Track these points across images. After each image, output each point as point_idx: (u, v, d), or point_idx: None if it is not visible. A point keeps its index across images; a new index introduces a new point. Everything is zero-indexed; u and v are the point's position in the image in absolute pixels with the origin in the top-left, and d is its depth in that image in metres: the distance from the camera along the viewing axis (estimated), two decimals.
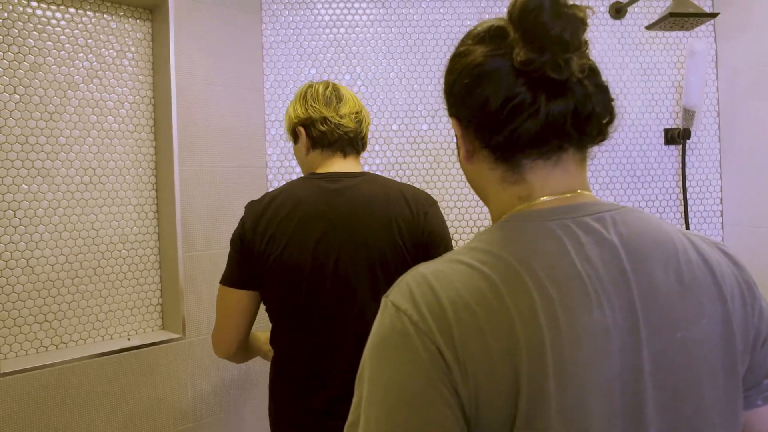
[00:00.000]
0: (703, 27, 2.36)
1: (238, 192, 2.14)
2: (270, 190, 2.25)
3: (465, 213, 2.33)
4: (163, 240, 2.01)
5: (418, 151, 2.31)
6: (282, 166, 2.26)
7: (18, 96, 1.72)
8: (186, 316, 1.97)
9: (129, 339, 1.93)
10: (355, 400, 0.67)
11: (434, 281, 0.66)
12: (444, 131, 2.32)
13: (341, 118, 1.45)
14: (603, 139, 0.73)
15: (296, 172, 2.26)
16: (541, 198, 0.72)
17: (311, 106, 1.45)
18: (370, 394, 0.64)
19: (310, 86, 1.50)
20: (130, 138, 1.95)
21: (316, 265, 1.34)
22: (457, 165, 2.31)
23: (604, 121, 0.72)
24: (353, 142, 1.47)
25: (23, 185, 1.73)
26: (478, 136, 0.73)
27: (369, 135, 2.28)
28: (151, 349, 1.89)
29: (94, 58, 1.87)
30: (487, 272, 0.65)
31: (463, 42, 0.76)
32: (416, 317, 0.64)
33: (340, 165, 1.45)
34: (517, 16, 0.68)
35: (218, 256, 2.07)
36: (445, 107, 0.79)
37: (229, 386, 2.10)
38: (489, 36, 0.72)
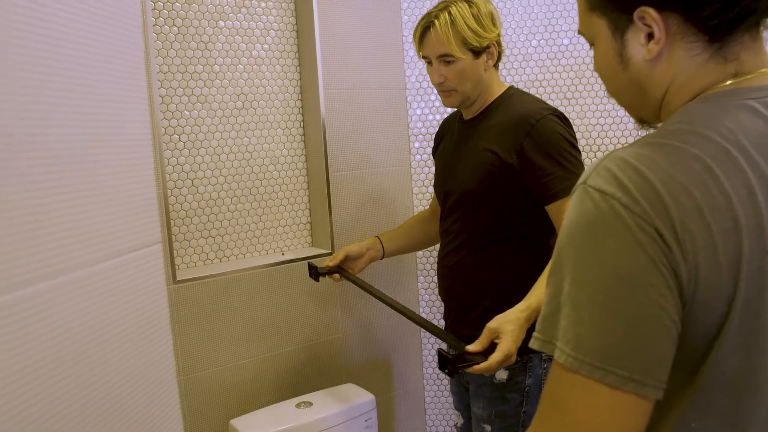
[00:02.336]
0: None
1: (379, 113, 2.19)
2: (409, 111, 2.29)
3: (609, 130, 2.25)
4: (310, 161, 2.11)
5: (558, 68, 2.24)
6: (421, 87, 2.28)
7: (177, 28, 1.84)
8: (334, 233, 2.08)
9: (283, 254, 2.07)
10: (549, 291, 0.68)
11: (639, 164, 0.64)
12: (586, 46, 2.22)
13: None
14: None
15: (434, 93, 2.27)
16: (760, 71, 0.71)
17: (498, 26, 1.60)
18: (577, 279, 0.64)
19: (487, 2, 1.60)
20: (277, 64, 2.04)
21: None
22: (601, 82, 2.22)
23: None
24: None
25: (185, 111, 1.87)
26: (697, 18, 0.69)
27: (507, 52, 2.25)
28: (303, 263, 2.02)
29: None
30: (696, 152, 0.64)
31: None
32: (626, 200, 0.62)
33: None
34: None
35: (361, 175, 2.15)
36: (609, 5, 0.74)
37: (375, 302, 2.21)
38: None
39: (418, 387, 2.41)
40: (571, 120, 1.60)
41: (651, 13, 0.70)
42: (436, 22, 1.57)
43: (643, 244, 0.61)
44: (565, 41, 2.23)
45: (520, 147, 1.50)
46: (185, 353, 1.81)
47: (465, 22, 1.56)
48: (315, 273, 1.81)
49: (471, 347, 1.30)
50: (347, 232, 2.11)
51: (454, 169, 1.67)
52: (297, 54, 2.09)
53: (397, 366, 2.32)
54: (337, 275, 1.79)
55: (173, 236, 1.87)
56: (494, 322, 1.31)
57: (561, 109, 1.74)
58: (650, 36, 0.71)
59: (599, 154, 2.24)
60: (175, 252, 1.87)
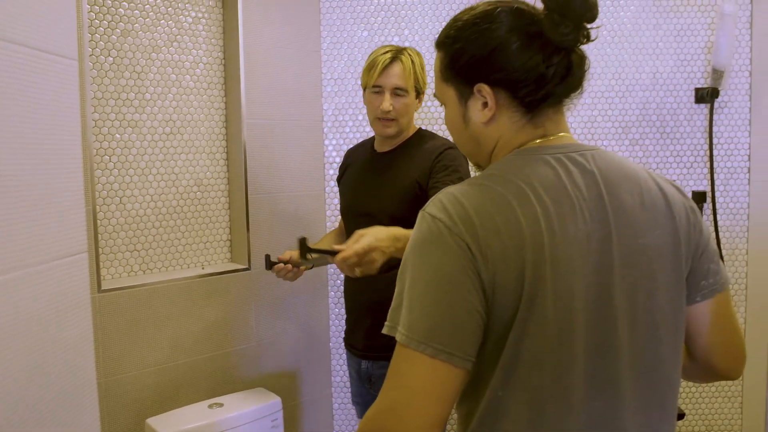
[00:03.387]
0: None
1: (297, 142, 2.42)
2: (325, 142, 2.53)
3: None
4: (231, 184, 2.31)
5: None
6: (336, 120, 2.52)
7: (112, 58, 2.02)
8: (251, 251, 2.28)
9: (203, 268, 2.25)
10: (397, 290, 0.88)
11: (461, 197, 0.87)
12: None
13: None
14: (576, 95, 0.97)
15: (348, 126, 2.52)
16: (558, 135, 0.96)
17: None
18: (413, 280, 0.85)
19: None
20: (204, 94, 2.24)
21: None
22: None
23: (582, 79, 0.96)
24: None
25: (117, 135, 2.05)
26: (516, 95, 0.93)
27: None
28: (221, 277, 2.22)
29: (173, 24, 2.15)
30: (501, 191, 0.88)
31: (486, 18, 0.93)
32: (449, 222, 0.85)
33: None
34: (555, 3, 0.89)
35: (278, 199, 2.36)
36: (458, 78, 0.96)
37: (286, 313, 2.42)
38: (511, 13, 0.92)
39: (326, 394, 2.61)
40: None
41: (486, 88, 0.93)
42: (403, 58, 1.81)
43: (458, 255, 0.84)
44: None
45: (430, 170, 1.76)
46: (107, 357, 1.97)
47: (420, 66, 1.85)
48: (269, 263, 1.86)
49: (337, 246, 1.41)
50: (264, 249, 2.32)
51: (375, 194, 1.87)
52: (223, 86, 2.30)
53: (307, 374, 2.53)
54: (289, 265, 1.83)
55: (100, 249, 2.03)
56: (362, 230, 1.42)
57: None
58: (485, 104, 0.95)
59: None
60: (101, 263, 2.03)
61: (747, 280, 2.54)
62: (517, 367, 0.87)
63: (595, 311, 0.88)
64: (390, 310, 0.89)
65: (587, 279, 0.87)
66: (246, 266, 2.28)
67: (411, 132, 1.90)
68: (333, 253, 1.41)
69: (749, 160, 2.54)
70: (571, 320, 0.86)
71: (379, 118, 1.83)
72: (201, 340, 2.18)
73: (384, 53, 1.81)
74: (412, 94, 1.83)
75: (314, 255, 1.61)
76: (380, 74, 1.80)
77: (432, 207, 0.89)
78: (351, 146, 2.50)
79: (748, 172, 2.54)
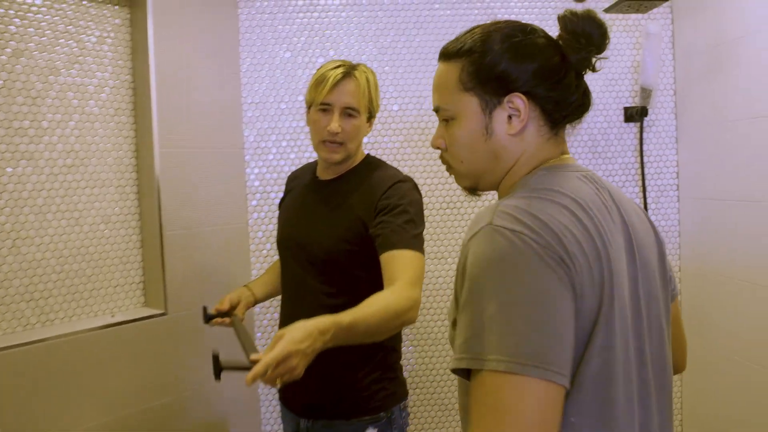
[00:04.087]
0: (659, 9, 2.46)
1: (217, 172, 2.22)
2: (247, 170, 2.34)
3: (435, 189, 2.43)
4: (144, 220, 2.08)
5: (389, 131, 2.40)
6: (258, 147, 2.34)
7: (1, 81, 1.77)
8: (168, 293, 2.05)
9: (113, 316, 2.00)
10: (468, 318, 0.81)
11: (529, 208, 0.84)
12: (414, 111, 2.41)
13: None
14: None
15: (272, 153, 2.34)
16: (564, 156, 0.99)
17: None
18: (502, 302, 0.78)
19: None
20: (111, 121, 2.01)
21: None
22: (427, 144, 2.41)
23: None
24: None
25: (8, 168, 1.79)
26: (548, 110, 0.96)
27: None
28: (134, 324, 1.97)
29: (74, 44, 1.92)
30: (562, 203, 0.87)
31: (525, 31, 0.96)
32: (532, 234, 0.81)
33: None
34: (587, 27, 0.93)
35: (199, 234, 2.15)
36: (486, 87, 0.96)
37: (208, 362, 2.19)
38: (544, 33, 0.97)
39: None
40: None
41: (520, 99, 0.94)
42: (357, 74, 1.62)
43: (553, 268, 0.80)
44: (395, 107, 2.40)
45: (376, 206, 1.57)
46: (3, 425, 1.69)
47: (374, 85, 1.67)
48: (206, 317, 1.73)
49: (255, 356, 1.19)
50: (183, 290, 2.09)
51: (313, 226, 1.69)
52: (133, 112, 2.07)
53: (235, 425, 2.29)
54: (227, 319, 1.71)
55: None
56: (282, 329, 1.21)
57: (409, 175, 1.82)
58: (510, 116, 0.95)
59: (427, 213, 2.40)
60: None
61: (680, 296, 2.53)
62: (590, 386, 0.83)
63: (634, 321, 0.90)
64: (463, 341, 0.81)
65: (629, 290, 0.90)
66: (162, 311, 2.04)
67: (358, 159, 1.73)
68: (248, 367, 1.18)
69: (678, 177, 2.55)
70: (626, 331, 0.87)
71: (325, 141, 1.63)
72: (113, 398, 1.92)
73: (335, 68, 1.62)
74: (364, 115, 1.66)
75: (229, 369, 1.35)
76: (330, 91, 1.60)
77: (501, 219, 0.83)
78: (276, 174, 2.34)
79: (677, 189, 2.55)
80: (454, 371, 0.83)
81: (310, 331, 1.19)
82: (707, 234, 2.36)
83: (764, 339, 2.07)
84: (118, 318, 1.97)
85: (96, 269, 1.98)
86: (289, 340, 1.16)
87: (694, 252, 2.47)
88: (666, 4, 2.36)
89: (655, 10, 2.45)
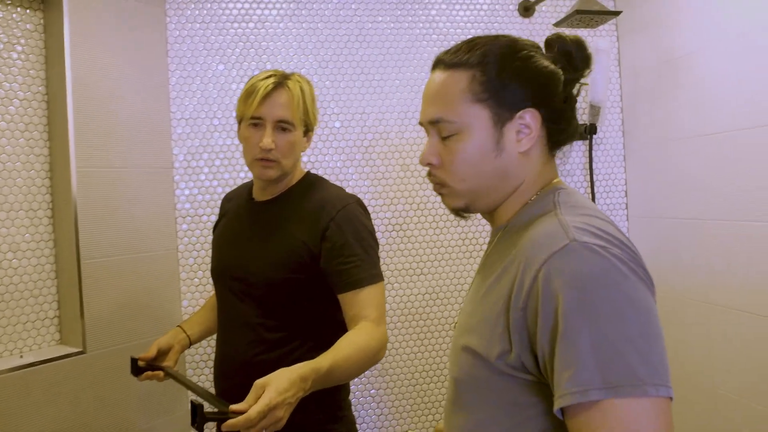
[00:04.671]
0: (606, 26, 2.43)
1: (143, 193, 2.02)
2: (177, 192, 2.15)
3: (379, 211, 2.30)
4: (59, 247, 1.86)
5: (330, 149, 2.26)
6: (189, 166, 2.16)
7: None
8: (87, 329, 1.83)
9: (21, 356, 1.77)
10: (576, 346, 0.73)
11: (600, 225, 0.82)
12: (357, 128, 2.28)
13: None
14: None
15: (204, 173, 2.16)
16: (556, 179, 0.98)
17: None
18: (614, 323, 0.73)
19: None
20: (21, 137, 1.80)
21: None
22: (371, 164, 2.28)
23: None
24: None
25: None
26: (550, 128, 0.93)
27: None
28: (47, 365, 1.74)
29: None
30: (604, 218, 0.86)
31: (535, 46, 0.94)
32: (617, 251, 0.78)
33: None
34: (577, 51, 0.94)
35: (123, 262, 1.94)
36: (500, 100, 0.91)
37: (134, 402, 1.97)
38: (556, 52, 0.95)
39: None
40: None
41: (534, 115, 0.90)
42: (290, 84, 1.47)
43: (644, 280, 0.78)
44: (337, 124, 2.26)
45: (323, 235, 1.43)
46: None
47: (310, 96, 1.52)
48: (136, 369, 1.55)
49: (235, 406, 1.13)
50: (104, 325, 1.88)
51: (251, 255, 1.53)
52: (46, 127, 1.86)
53: None
54: (160, 373, 1.54)
55: None
56: (263, 379, 1.16)
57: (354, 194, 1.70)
58: (519, 132, 0.90)
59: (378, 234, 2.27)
60: None
61: None
62: None
63: None
64: (573, 374, 0.73)
65: None
66: (80, 349, 1.82)
67: (297, 177, 1.57)
68: (230, 415, 1.12)
69: (626, 196, 2.50)
70: None
71: (258, 159, 1.47)
72: None
73: (265, 78, 1.47)
74: (300, 129, 1.50)
75: (211, 420, 1.23)
76: (260, 103, 1.44)
77: (586, 236, 0.79)
78: (209, 196, 2.16)
79: (626, 207, 2.50)
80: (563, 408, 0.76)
81: (294, 380, 1.16)
82: (656, 253, 2.31)
83: (714, 357, 2.03)
84: (29, 359, 1.74)
85: (2, 304, 1.75)
86: (276, 390, 1.12)
87: None
88: (612, 21, 2.33)
89: (601, 27, 2.41)
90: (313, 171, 2.21)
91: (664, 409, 0.73)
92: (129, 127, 1.99)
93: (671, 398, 0.74)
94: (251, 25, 2.20)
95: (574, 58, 0.92)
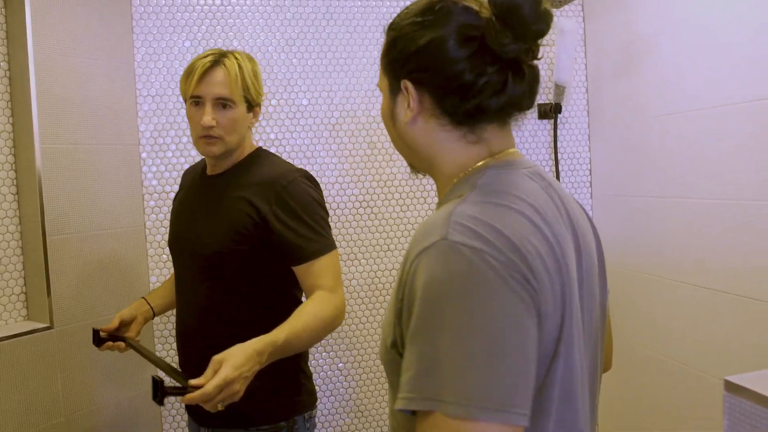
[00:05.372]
0: (572, 6, 2.46)
1: (109, 170, 2.03)
2: (144, 169, 2.16)
3: (346, 188, 2.33)
4: (24, 224, 1.87)
5: (297, 127, 2.28)
6: (156, 143, 2.16)
7: None
8: (54, 305, 1.85)
9: None
10: (419, 349, 0.70)
11: (488, 220, 0.74)
12: (324, 106, 2.29)
13: None
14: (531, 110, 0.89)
15: (171, 149, 2.17)
16: (507, 151, 0.87)
17: None
18: (462, 332, 0.67)
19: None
20: None
21: None
22: (338, 141, 2.30)
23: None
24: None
25: None
26: (441, 102, 0.84)
27: None
28: (14, 341, 1.76)
29: None
30: (519, 209, 0.77)
31: (426, 11, 0.84)
32: (493, 252, 0.70)
33: None
34: (501, 8, 0.78)
35: (90, 238, 1.95)
36: (389, 68, 0.88)
37: (101, 377, 2.00)
38: (454, 10, 0.82)
39: None
40: None
41: (409, 86, 0.85)
42: (227, 62, 1.49)
43: (516, 291, 0.70)
44: (304, 101, 2.28)
45: (270, 209, 1.46)
46: None
47: (251, 72, 1.54)
48: (97, 339, 1.58)
49: (194, 381, 1.19)
50: (71, 301, 1.90)
51: (199, 226, 1.56)
52: (9, 104, 1.86)
53: None
54: (122, 344, 1.58)
55: None
56: (220, 354, 1.22)
57: (302, 167, 1.73)
58: (406, 103, 0.86)
59: (339, 212, 2.30)
60: None
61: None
62: (551, 406, 0.76)
63: (584, 330, 0.84)
64: (412, 377, 0.70)
65: (578, 298, 0.82)
66: (47, 324, 1.84)
67: (247, 151, 1.60)
68: (189, 390, 1.20)
69: (590, 174, 2.55)
70: (580, 342, 0.80)
71: (201, 137, 1.51)
72: None
73: (203, 57, 1.50)
74: (242, 105, 1.52)
75: (171, 395, 1.27)
76: (198, 82, 1.48)
77: (458, 234, 0.72)
78: (176, 173, 2.18)
79: (590, 186, 2.55)
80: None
81: (250, 355, 1.23)
82: (620, 230, 2.37)
83: (677, 333, 2.09)
84: None
85: None
86: (232, 366, 1.19)
87: (608, 248, 2.47)
88: (577, 1, 2.35)
89: (567, 7, 2.43)
90: (280, 148, 2.24)
91: None
92: (94, 104, 1.99)
93: (515, 425, 0.67)
94: (218, 1, 2.20)
95: (501, 12, 0.78)
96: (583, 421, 0.80)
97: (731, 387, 0.50)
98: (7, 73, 1.85)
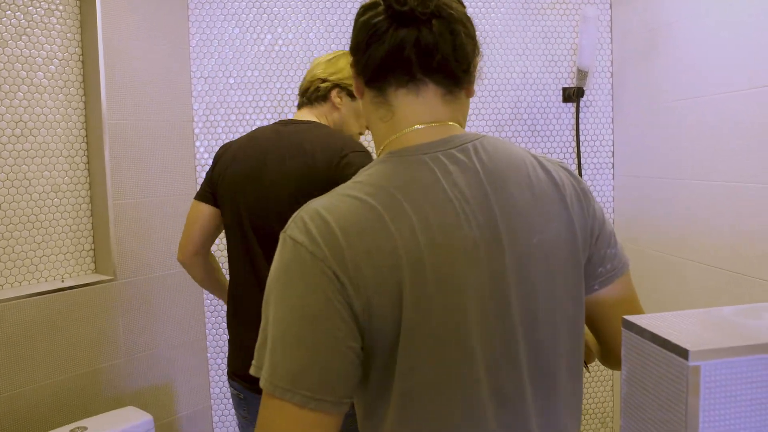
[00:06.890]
0: None
1: (165, 144, 2.29)
2: (196, 143, 2.41)
3: None
4: (93, 189, 2.15)
5: None
6: (207, 120, 2.41)
7: None
8: (116, 260, 2.13)
9: (63, 281, 2.08)
10: (262, 324, 0.79)
11: (326, 213, 0.78)
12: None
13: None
14: (456, 82, 0.87)
15: (221, 126, 2.42)
16: (414, 127, 0.85)
17: None
18: (276, 316, 0.76)
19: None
20: (60, 93, 2.07)
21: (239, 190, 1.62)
22: None
23: (455, 65, 0.85)
24: (303, 95, 1.74)
25: None
26: (356, 69, 0.88)
27: (293, 94, 2.44)
28: (84, 289, 2.05)
29: (21, 16, 1.97)
30: (372, 202, 0.78)
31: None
32: (311, 247, 0.76)
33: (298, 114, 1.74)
34: None
35: (146, 204, 2.23)
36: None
37: (159, 324, 2.28)
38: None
39: (205, 407, 2.49)
40: None
41: (352, 72, 0.91)
42: None
43: (323, 286, 0.74)
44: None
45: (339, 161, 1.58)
46: None
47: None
48: None
49: None
50: (131, 258, 2.18)
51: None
52: (82, 84, 2.13)
53: (183, 387, 2.40)
54: None
55: None
56: None
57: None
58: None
59: None
60: None
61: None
62: (414, 399, 0.79)
63: (493, 324, 0.80)
64: (256, 347, 0.79)
65: (480, 291, 0.79)
66: (111, 277, 2.12)
67: None
68: None
69: (613, 156, 2.67)
70: (467, 339, 0.78)
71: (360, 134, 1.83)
72: (62, 359, 2.01)
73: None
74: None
75: None
76: None
77: (294, 229, 0.79)
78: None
79: (612, 167, 2.67)
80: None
81: None
82: (641, 210, 2.48)
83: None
84: (68, 283, 2.05)
85: (46, 237, 2.05)
86: None
87: (629, 228, 2.60)
88: None
89: None
90: None
91: (289, 414, 0.73)
92: (154, 84, 2.25)
93: (314, 410, 0.73)
94: None
95: None
96: (488, 417, 0.80)
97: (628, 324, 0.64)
98: (81, 57, 2.12)
